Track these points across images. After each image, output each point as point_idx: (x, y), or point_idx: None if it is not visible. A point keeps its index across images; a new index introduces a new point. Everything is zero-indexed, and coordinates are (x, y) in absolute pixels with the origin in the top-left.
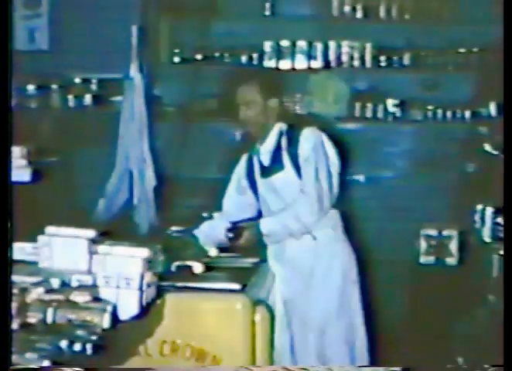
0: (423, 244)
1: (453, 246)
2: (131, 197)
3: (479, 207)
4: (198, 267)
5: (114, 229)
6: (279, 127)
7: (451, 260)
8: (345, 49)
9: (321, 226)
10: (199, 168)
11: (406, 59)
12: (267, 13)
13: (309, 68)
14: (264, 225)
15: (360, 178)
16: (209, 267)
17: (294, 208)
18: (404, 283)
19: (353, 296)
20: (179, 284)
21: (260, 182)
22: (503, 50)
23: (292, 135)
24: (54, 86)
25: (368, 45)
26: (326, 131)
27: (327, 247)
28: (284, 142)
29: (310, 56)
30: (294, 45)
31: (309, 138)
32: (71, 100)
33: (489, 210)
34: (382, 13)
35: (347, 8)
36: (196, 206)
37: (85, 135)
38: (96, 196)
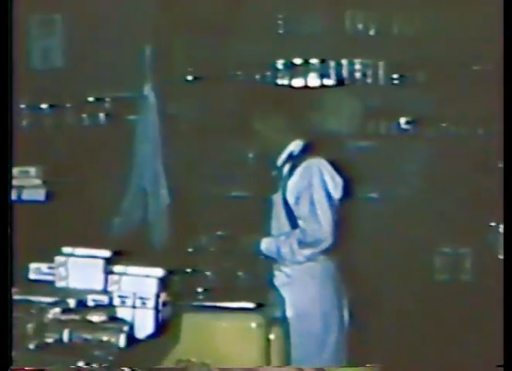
0: (437, 261)
1: (467, 263)
2: (146, 216)
3: (493, 224)
4: None
5: (129, 249)
6: (292, 147)
7: (465, 278)
8: (358, 66)
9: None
10: (213, 187)
11: (419, 77)
12: (281, 31)
13: (322, 86)
14: (264, 244)
15: (374, 195)
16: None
17: (290, 240)
18: (419, 300)
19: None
20: (195, 303)
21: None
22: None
23: (295, 163)
24: (68, 105)
25: (381, 63)
26: (339, 149)
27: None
28: (286, 168)
29: (323, 74)
30: (307, 63)
31: (304, 174)
32: (85, 118)
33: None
34: (395, 30)
35: (360, 26)
36: (210, 225)
37: (99, 154)
38: (110, 215)
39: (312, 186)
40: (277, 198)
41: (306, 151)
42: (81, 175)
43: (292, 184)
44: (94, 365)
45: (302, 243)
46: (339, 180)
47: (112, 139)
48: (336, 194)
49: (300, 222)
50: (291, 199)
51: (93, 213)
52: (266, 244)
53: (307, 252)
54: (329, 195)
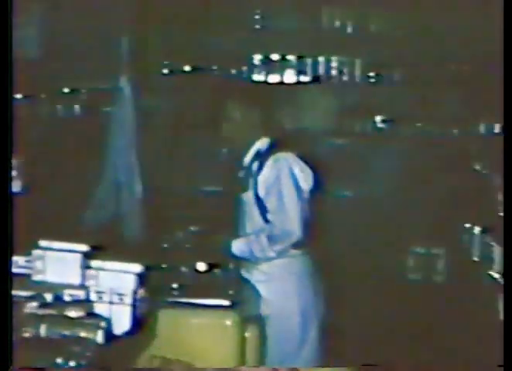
0: (411, 261)
1: (441, 264)
2: (119, 208)
3: (468, 226)
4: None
5: (106, 243)
6: (259, 144)
7: (438, 278)
8: (334, 63)
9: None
10: (187, 180)
11: (395, 75)
12: (257, 26)
13: (298, 82)
14: (235, 246)
15: (348, 193)
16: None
17: (259, 236)
18: (391, 299)
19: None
20: (170, 300)
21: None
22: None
23: (265, 157)
24: (43, 96)
25: (358, 61)
26: (314, 146)
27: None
28: (255, 165)
29: (299, 71)
30: (283, 59)
31: (273, 167)
32: (60, 110)
33: (477, 229)
34: (372, 29)
35: (337, 23)
36: (183, 219)
37: (73, 146)
38: (84, 208)
39: (280, 179)
40: (248, 197)
41: (273, 148)
42: (56, 166)
43: (262, 178)
44: (72, 361)
45: (272, 238)
46: (308, 171)
47: (87, 131)
48: (306, 185)
49: (269, 216)
50: (262, 194)
51: (69, 205)
52: (237, 246)
53: (277, 247)
54: (298, 188)
